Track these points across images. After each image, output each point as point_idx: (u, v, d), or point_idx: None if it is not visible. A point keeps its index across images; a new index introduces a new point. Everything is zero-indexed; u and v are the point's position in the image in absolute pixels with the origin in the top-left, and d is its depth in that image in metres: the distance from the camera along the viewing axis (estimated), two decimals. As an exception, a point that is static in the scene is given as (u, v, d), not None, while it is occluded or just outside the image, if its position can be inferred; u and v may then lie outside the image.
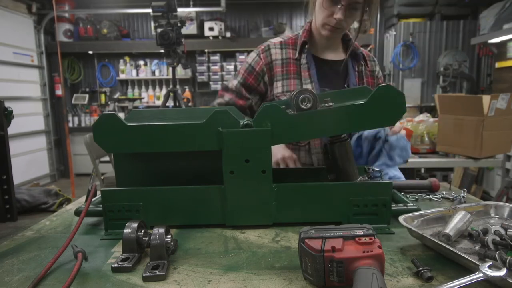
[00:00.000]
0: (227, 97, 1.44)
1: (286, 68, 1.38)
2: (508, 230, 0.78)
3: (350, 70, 1.43)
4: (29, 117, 5.86)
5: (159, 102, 6.43)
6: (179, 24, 3.81)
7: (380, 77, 1.53)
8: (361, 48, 1.48)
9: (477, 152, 2.82)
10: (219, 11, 6.00)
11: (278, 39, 1.44)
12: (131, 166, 1.00)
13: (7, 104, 1.12)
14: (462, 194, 1.16)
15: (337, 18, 1.25)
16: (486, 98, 2.70)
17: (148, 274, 0.69)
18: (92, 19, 6.54)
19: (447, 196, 1.18)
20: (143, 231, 0.79)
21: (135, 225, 0.77)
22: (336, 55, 1.45)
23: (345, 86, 1.40)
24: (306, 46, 1.38)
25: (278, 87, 1.38)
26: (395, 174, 1.29)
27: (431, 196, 1.18)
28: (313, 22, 1.39)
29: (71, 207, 1.19)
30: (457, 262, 0.71)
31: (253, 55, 1.43)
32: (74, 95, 6.69)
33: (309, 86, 1.34)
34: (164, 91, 6.59)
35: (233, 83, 1.44)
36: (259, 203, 0.91)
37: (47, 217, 1.09)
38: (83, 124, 6.62)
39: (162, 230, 0.75)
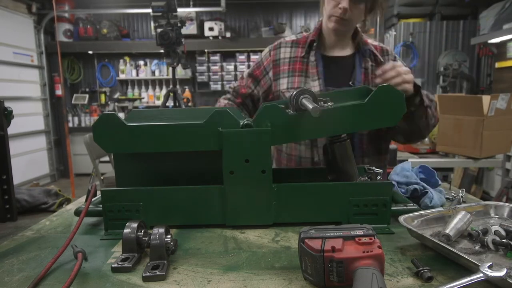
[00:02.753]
0: (237, 83, 1.55)
1: (292, 66, 1.42)
2: (508, 230, 0.78)
3: (356, 66, 1.40)
4: (29, 117, 5.86)
5: (159, 102, 6.43)
6: (179, 24, 3.81)
7: None
8: (376, 43, 1.46)
9: (477, 152, 2.82)
10: (219, 11, 6.00)
11: (291, 37, 1.49)
12: (131, 166, 1.00)
13: (7, 104, 1.12)
14: (460, 194, 1.16)
15: (342, 8, 1.26)
16: (486, 98, 2.70)
17: (148, 274, 0.69)
18: (92, 19, 6.54)
19: (447, 196, 1.18)
20: (143, 231, 0.79)
21: (135, 225, 0.77)
22: (344, 51, 1.44)
23: (350, 83, 1.38)
24: (314, 45, 1.41)
25: (283, 84, 1.42)
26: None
27: None
28: (323, 19, 1.41)
29: (71, 207, 1.19)
30: (457, 262, 0.71)
31: (266, 50, 1.50)
32: (74, 95, 6.69)
33: (316, 83, 1.36)
34: (164, 91, 6.59)
35: (244, 73, 1.54)
36: (259, 203, 0.92)
37: (47, 217, 1.09)
38: (83, 124, 6.61)
39: (162, 230, 0.75)
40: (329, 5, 1.31)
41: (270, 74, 1.45)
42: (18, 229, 1.03)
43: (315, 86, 1.36)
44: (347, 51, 1.44)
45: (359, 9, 1.29)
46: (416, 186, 1.09)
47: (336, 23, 1.32)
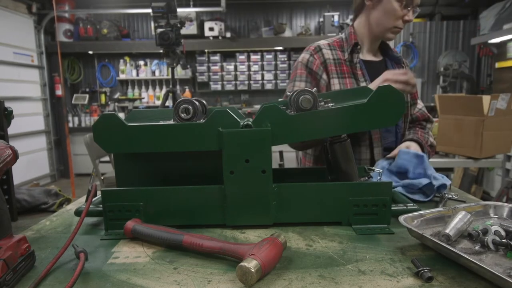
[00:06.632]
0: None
1: (339, 68, 1.44)
2: (508, 230, 0.78)
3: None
4: (29, 117, 5.85)
5: (159, 102, 6.43)
6: (178, 25, 3.81)
7: None
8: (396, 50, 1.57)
9: (477, 152, 2.82)
10: (219, 11, 5.99)
11: (324, 41, 1.50)
12: (131, 166, 1.00)
13: (7, 104, 1.12)
14: (453, 194, 1.16)
15: (409, 20, 1.36)
16: (486, 98, 2.70)
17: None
18: (92, 19, 6.53)
19: (447, 196, 1.18)
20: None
21: None
22: (376, 56, 1.53)
23: None
24: (358, 47, 1.45)
25: (335, 84, 1.43)
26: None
27: None
28: (361, 26, 1.47)
29: (71, 207, 1.19)
30: (457, 262, 0.71)
31: (306, 56, 1.46)
32: (74, 95, 6.68)
33: (364, 84, 1.39)
34: (164, 91, 6.59)
35: (300, 85, 1.45)
36: (259, 203, 0.91)
37: (47, 217, 1.09)
38: (83, 124, 6.61)
39: None
40: (391, 18, 1.36)
41: (324, 76, 1.44)
42: (18, 229, 1.03)
43: None
44: (377, 56, 1.54)
45: None
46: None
47: (395, 34, 1.41)
